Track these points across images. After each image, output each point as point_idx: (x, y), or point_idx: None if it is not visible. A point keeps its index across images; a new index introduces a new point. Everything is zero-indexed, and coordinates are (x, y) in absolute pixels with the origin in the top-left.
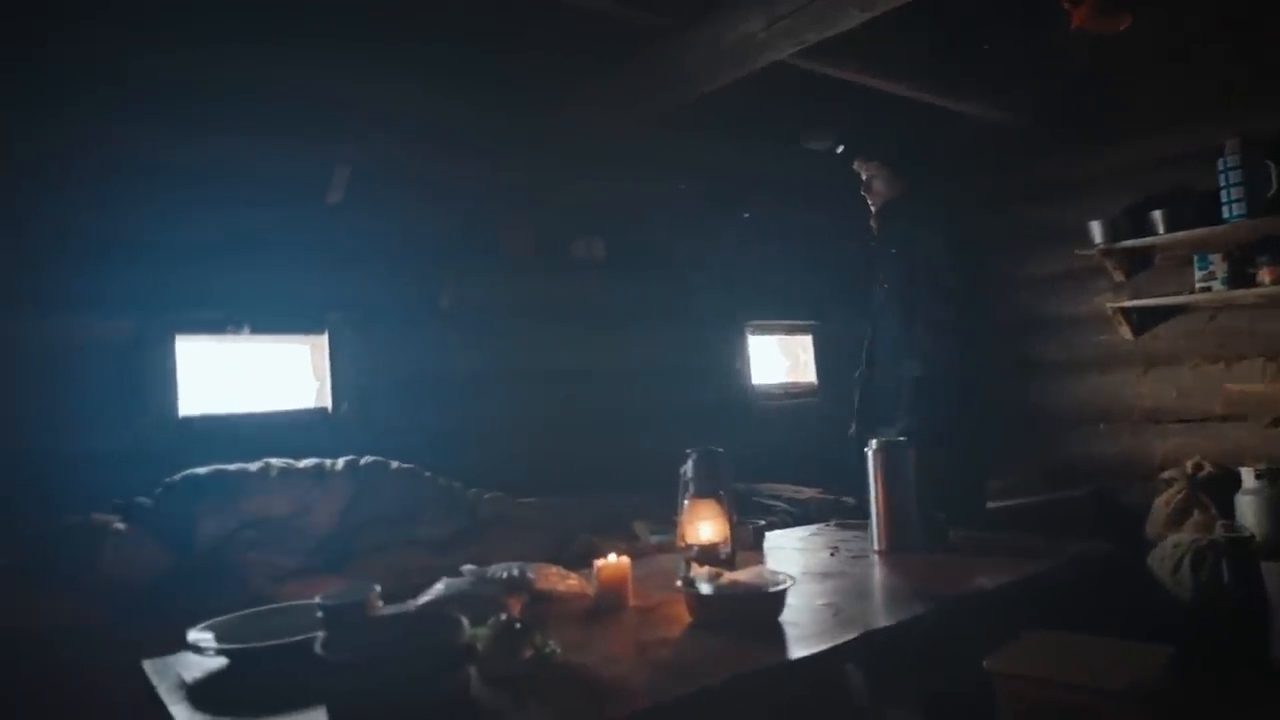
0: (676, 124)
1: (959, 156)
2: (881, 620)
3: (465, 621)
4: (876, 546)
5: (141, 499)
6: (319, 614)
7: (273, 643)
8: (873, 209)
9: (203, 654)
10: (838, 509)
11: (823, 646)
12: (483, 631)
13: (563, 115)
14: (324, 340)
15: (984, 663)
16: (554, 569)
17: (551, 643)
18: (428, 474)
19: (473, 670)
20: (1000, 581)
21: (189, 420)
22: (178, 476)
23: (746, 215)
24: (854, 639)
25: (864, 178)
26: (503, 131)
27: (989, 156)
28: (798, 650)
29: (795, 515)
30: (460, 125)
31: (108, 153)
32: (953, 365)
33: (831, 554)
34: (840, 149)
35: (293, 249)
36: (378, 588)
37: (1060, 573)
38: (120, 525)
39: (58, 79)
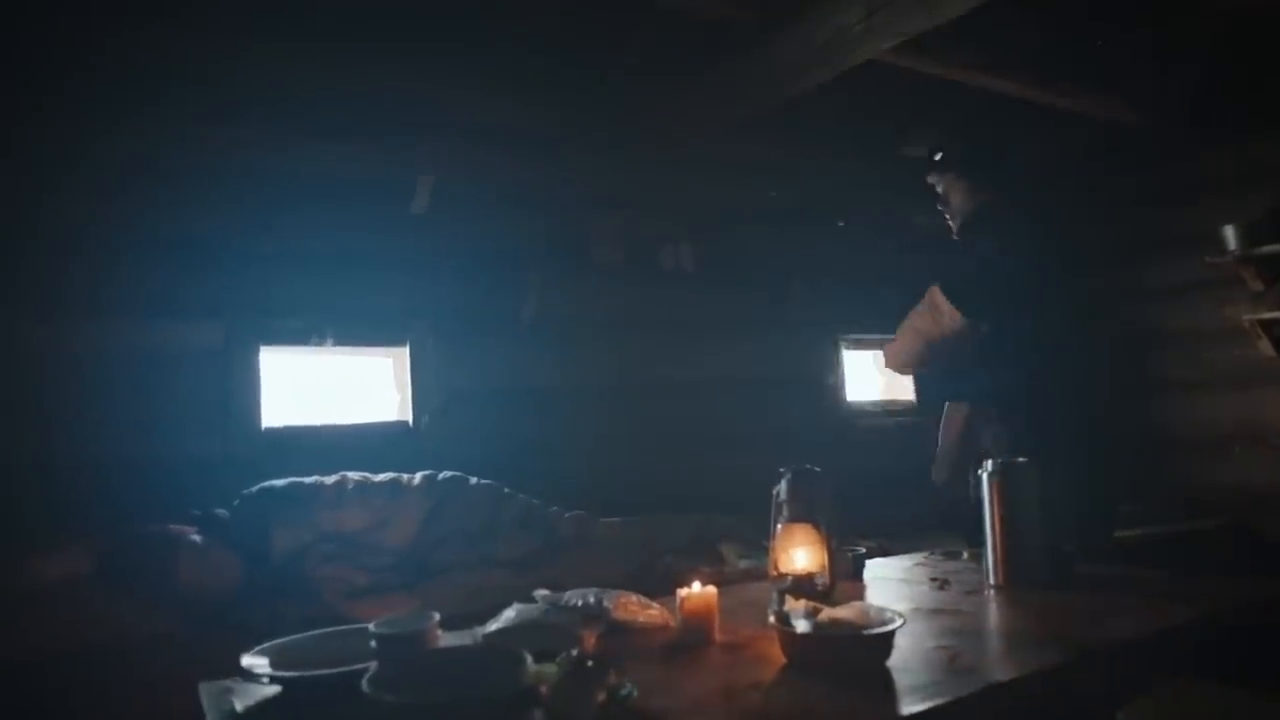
0: (768, 129)
1: (1071, 158)
2: (1006, 670)
3: (529, 659)
4: (991, 580)
5: (219, 510)
6: (372, 643)
7: (322, 672)
8: (951, 225)
9: (256, 680)
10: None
11: (940, 700)
12: (550, 670)
13: (651, 121)
14: (405, 352)
15: (1117, 716)
16: (634, 598)
17: (629, 683)
18: (506, 490)
19: (538, 715)
20: (1142, 630)
21: (272, 431)
22: (254, 489)
23: (841, 224)
24: (976, 693)
25: (940, 190)
26: (589, 138)
27: (1104, 157)
28: (910, 703)
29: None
30: (546, 133)
31: (195, 160)
32: (1033, 383)
33: (940, 587)
34: (937, 157)
35: (376, 259)
36: (437, 615)
37: (1215, 621)
38: (196, 536)
39: (145, 84)
